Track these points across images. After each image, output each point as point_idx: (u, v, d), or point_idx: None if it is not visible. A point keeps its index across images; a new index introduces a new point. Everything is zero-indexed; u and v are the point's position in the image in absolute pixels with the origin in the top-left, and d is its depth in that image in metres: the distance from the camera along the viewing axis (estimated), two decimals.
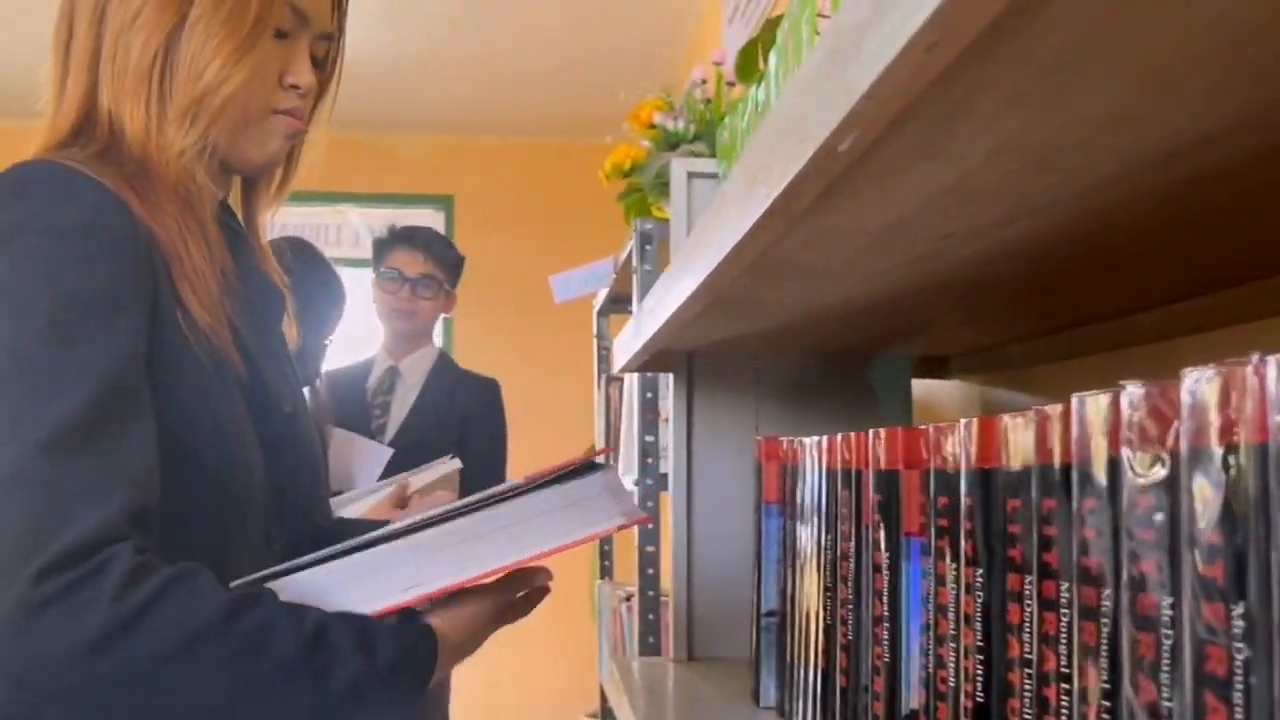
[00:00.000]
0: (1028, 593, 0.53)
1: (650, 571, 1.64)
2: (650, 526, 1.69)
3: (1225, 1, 0.34)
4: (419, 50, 4.07)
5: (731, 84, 1.89)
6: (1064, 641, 0.49)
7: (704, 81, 1.90)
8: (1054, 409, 0.51)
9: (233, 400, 0.92)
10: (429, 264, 2.51)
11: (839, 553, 0.83)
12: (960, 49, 0.35)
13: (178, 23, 0.94)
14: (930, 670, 0.65)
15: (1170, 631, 0.39)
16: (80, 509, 0.74)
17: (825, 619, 0.87)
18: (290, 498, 0.99)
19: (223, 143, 0.98)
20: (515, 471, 1.84)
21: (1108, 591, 0.44)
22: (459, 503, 0.86)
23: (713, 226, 0.67)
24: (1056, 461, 0.50)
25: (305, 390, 1.49)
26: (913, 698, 0.68)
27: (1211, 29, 0.36)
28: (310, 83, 1.00)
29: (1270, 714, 0.33)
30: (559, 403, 4.25)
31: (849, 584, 0.80)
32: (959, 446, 0.61)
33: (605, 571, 2.58)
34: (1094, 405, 0.45)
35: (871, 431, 0.74)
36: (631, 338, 1.23)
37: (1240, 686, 0.35)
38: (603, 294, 2.53)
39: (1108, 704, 0.44)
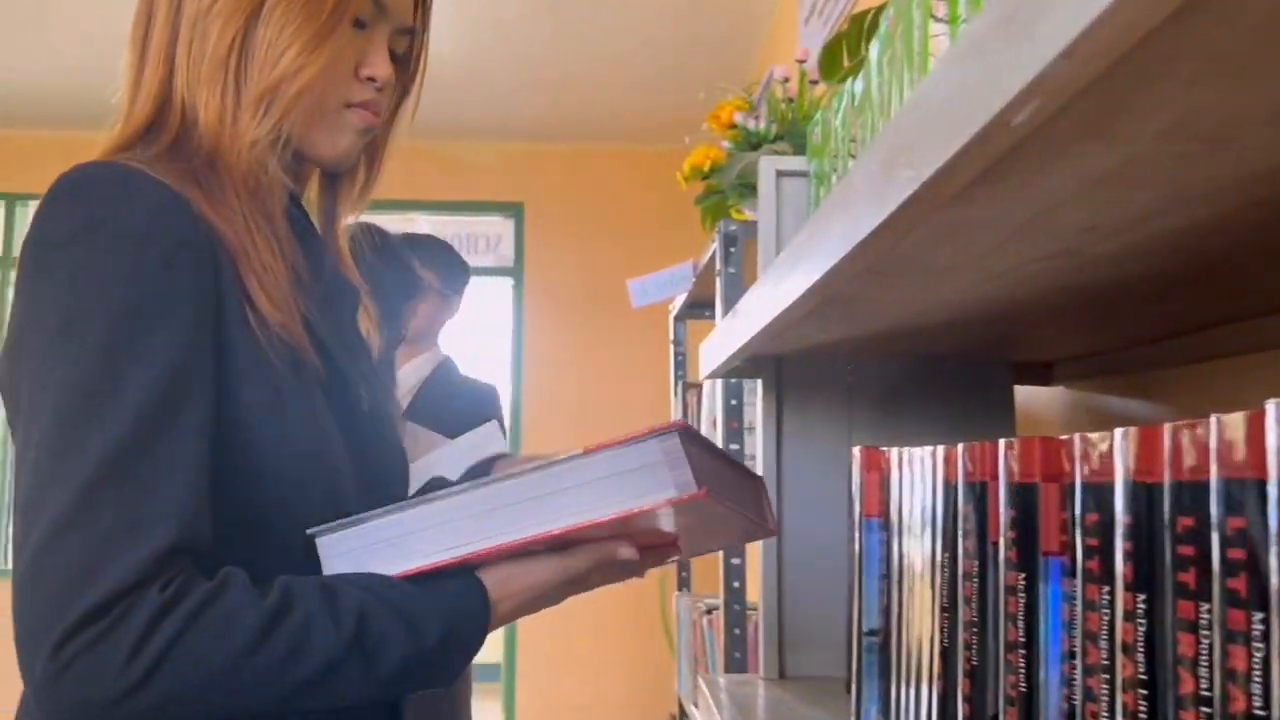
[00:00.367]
0: (1204, 621, 0.47)
1: (735, 585, 1.59)
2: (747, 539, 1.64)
3: None
4: (489, 58, 4.06)
5: (815, 82, 1.84)
6: (1257, 680, 0.43)
7: (786, 80, 1.86)
8: (1234, 417, 0.45)
9: (313, 399, 0.90)
10: (421, 269, 2.47)
11: (959, 571, 0.77)
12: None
13: (255, 9, 0.92)
14: (1077, 702, 0.59)
15: None
16: (108, 561, 0.73)
17: (942, 641, 0.81)
18: (377, 496, 0.96)
19: (296, 134, 0.95)
20: None
21: None
22: (522, 467, 0.84)
23: (831, 219, 0.62)
24: (1245, 475, 0.44)
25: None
26: None
27: None
28: (386, 75, 0.97)
29: None
30: (632, 410, 4.21)
31: (972, 605, 0.74)
32: (1111, 458, 0.55)
33: (683, 583, 2.53)
34: None
35: (1004, 442, 0.68)
36: (721, 342, 1.19)
37: None
38: (680, 299, 2.48)
39: None
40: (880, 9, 1.70)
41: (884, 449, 1.00)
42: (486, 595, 0.85)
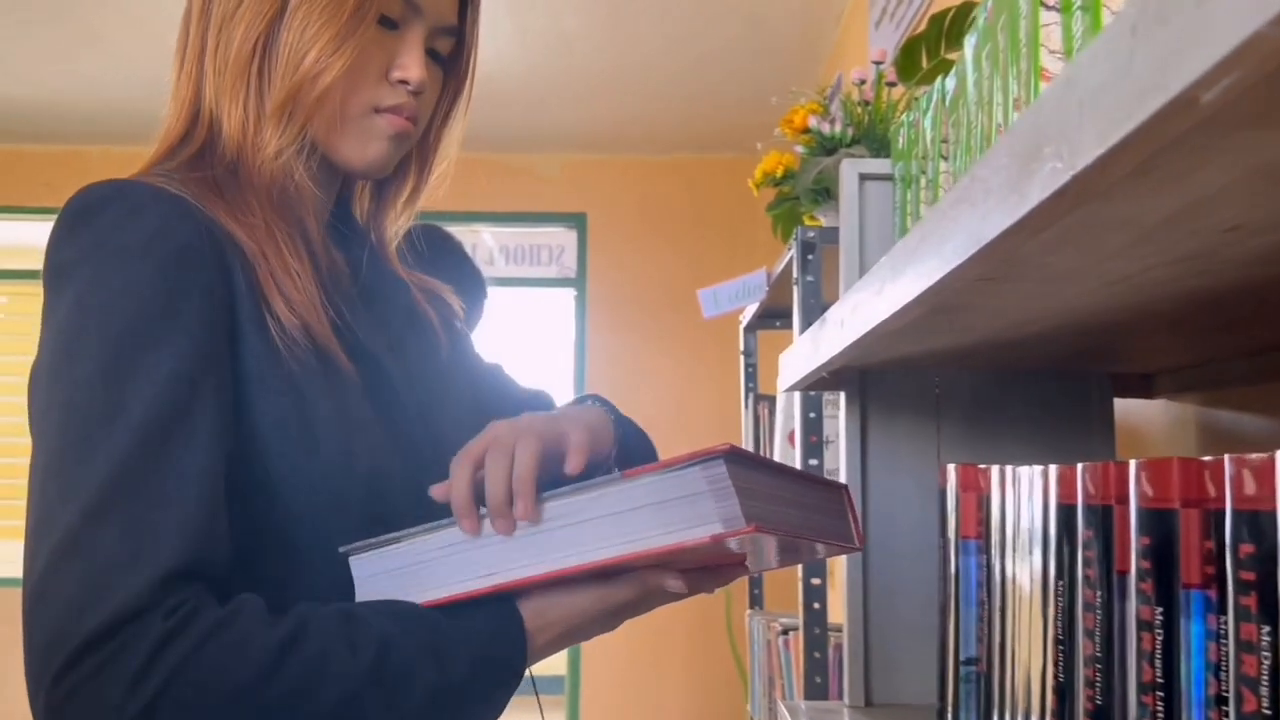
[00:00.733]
0: None
1: (816, 606, 1.53)
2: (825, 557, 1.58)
3: None
4: (552, 70, 4.04)
5: (892, 84, 1.79)
6: None
7: (862, 82, 1.80)
8: None
9: (346, 406, 0.86)
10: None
11: (1077, 601, 0.72)
12: None
13: (278, 13, 0.88)
14: None
15: None
16: (110, 586, 0.70)
17: (1056, 675, 0.75)
18: (428, 508, 0.92)
19: (321, 140, 0.92)
20: None
21: None
22: (567, 487, 0.78)
23: (951, 220, 0.57)
24: None
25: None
26: None
27: None
28: (419, 77, 0.92)
29: None
30: (699, 423, 4.17)
31: (1095, 639, 0.68)
32: (1275, 482, 0.50)
33: (755, 600, 2.47)
34: None
35: (1134, 462, 0.62)
36: (806, 354, 1.14)
37: None
38: (751, 309, 2.43)
39: None
40: (963, 7, 1.64)
41: (982, 466, 0.94)
42: (523, 624, 0.81)
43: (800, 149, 1.83)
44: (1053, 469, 0.77)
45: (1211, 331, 0.95)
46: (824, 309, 1.74)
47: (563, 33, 3.72)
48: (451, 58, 1.00)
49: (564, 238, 5.26)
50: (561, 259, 5.31)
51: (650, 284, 4.88)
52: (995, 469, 0.90)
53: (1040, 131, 0.43)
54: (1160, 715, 0.60)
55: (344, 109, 0.91)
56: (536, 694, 1.00)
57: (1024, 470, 0.83)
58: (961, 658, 0.97)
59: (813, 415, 1.57)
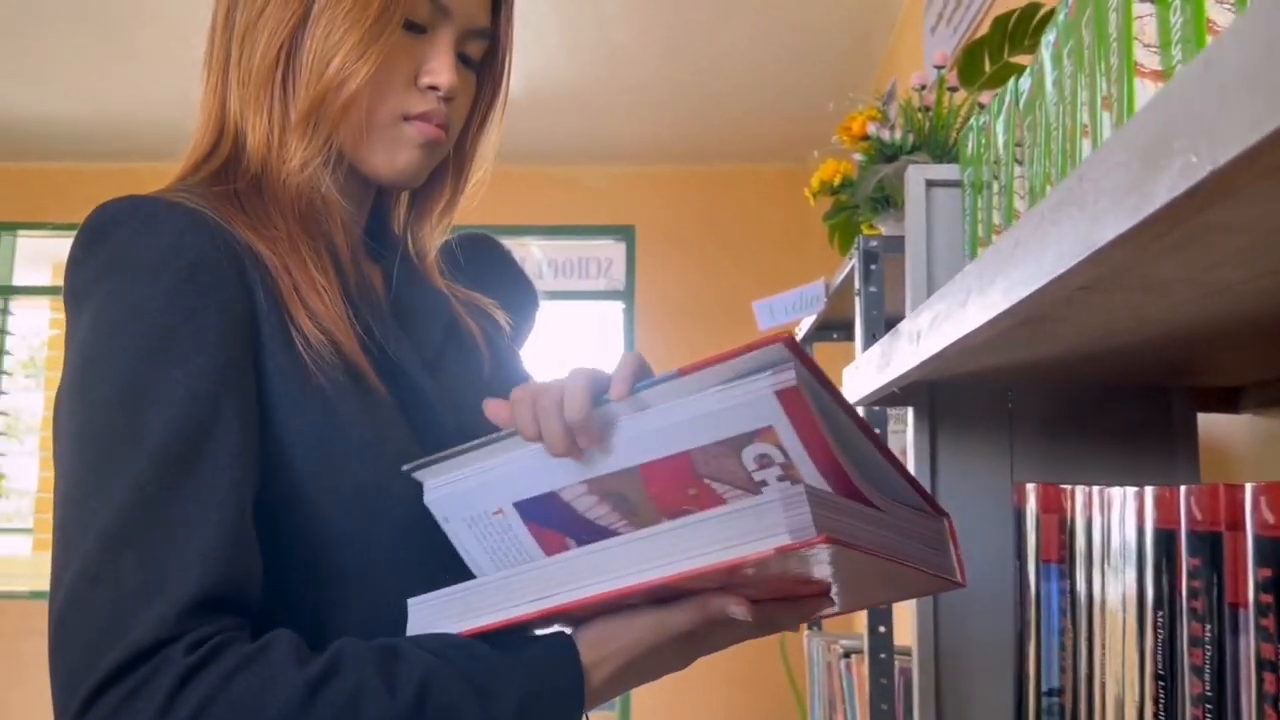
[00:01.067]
0: None
1: (882, 629, 1.47)
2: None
3: None
4: (600, 81, 4.02)
5: (953, 89, 1.74)
6: None
7: (923, 88, 1.75)
8: None
9: (380, 424, 0.82)
10: None
11: (1182, 635, 0.66)
12: None
13: (301, 20, 0.85)
14: None
15: None
16: (129, 617, 0.67)
17: (1156, 714, 0.70)
18: None
19: (348, 150, 0.89)
20: None
21: None
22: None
23: (1053, 224, 0.53)
24: None
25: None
26: None
27: None
28: (449, 82, 0.88)
29: None
30: None
31: (1204, 678, 0.63)
32: None
33: (813, 622, 2.41)
34: None
35: (1250, 486, 0.57)
36: (876, 366, 1.09)
37: None
38: (808, 321, 2.37)
39: None
40: (1028, 8, 1.59)
41: (1064, 486, 0.89)
42: (578, 657, 0.76)
43: (858, 157, 1.78)
44: (1149, 491, 0.72)
45: None
46: (886, 320, 1.69)
47: (612, 45, 3.70)
48: (485, 62, 0.97)
49: (612, 250, 5.24)
50: (610, 272, 5.29)
51: (698, 296, 4.85)
52: (1080, 489, 0.85)
53: (1170, 123, 0.39)
54: None
55: (371, 117, 0.88)
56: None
57: (1115, 491, 0.77)
58: (1044, 688, 0.92)
59: (877, 431, 1.52)
